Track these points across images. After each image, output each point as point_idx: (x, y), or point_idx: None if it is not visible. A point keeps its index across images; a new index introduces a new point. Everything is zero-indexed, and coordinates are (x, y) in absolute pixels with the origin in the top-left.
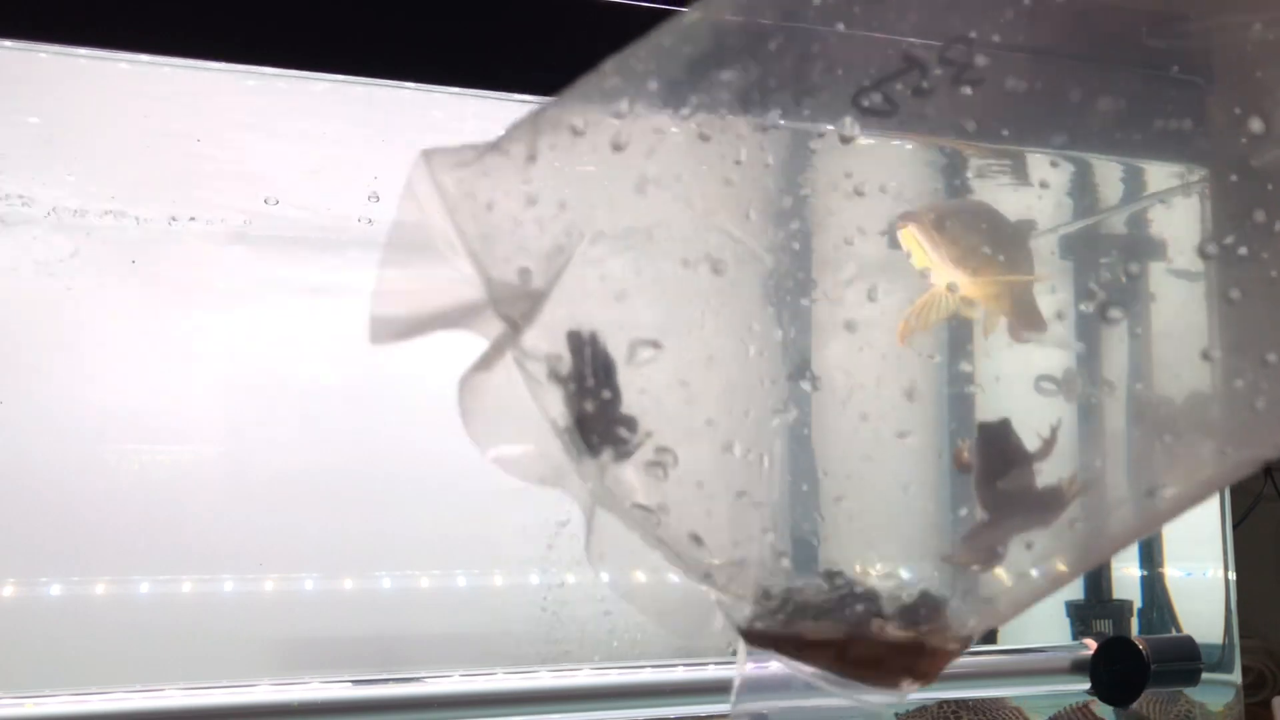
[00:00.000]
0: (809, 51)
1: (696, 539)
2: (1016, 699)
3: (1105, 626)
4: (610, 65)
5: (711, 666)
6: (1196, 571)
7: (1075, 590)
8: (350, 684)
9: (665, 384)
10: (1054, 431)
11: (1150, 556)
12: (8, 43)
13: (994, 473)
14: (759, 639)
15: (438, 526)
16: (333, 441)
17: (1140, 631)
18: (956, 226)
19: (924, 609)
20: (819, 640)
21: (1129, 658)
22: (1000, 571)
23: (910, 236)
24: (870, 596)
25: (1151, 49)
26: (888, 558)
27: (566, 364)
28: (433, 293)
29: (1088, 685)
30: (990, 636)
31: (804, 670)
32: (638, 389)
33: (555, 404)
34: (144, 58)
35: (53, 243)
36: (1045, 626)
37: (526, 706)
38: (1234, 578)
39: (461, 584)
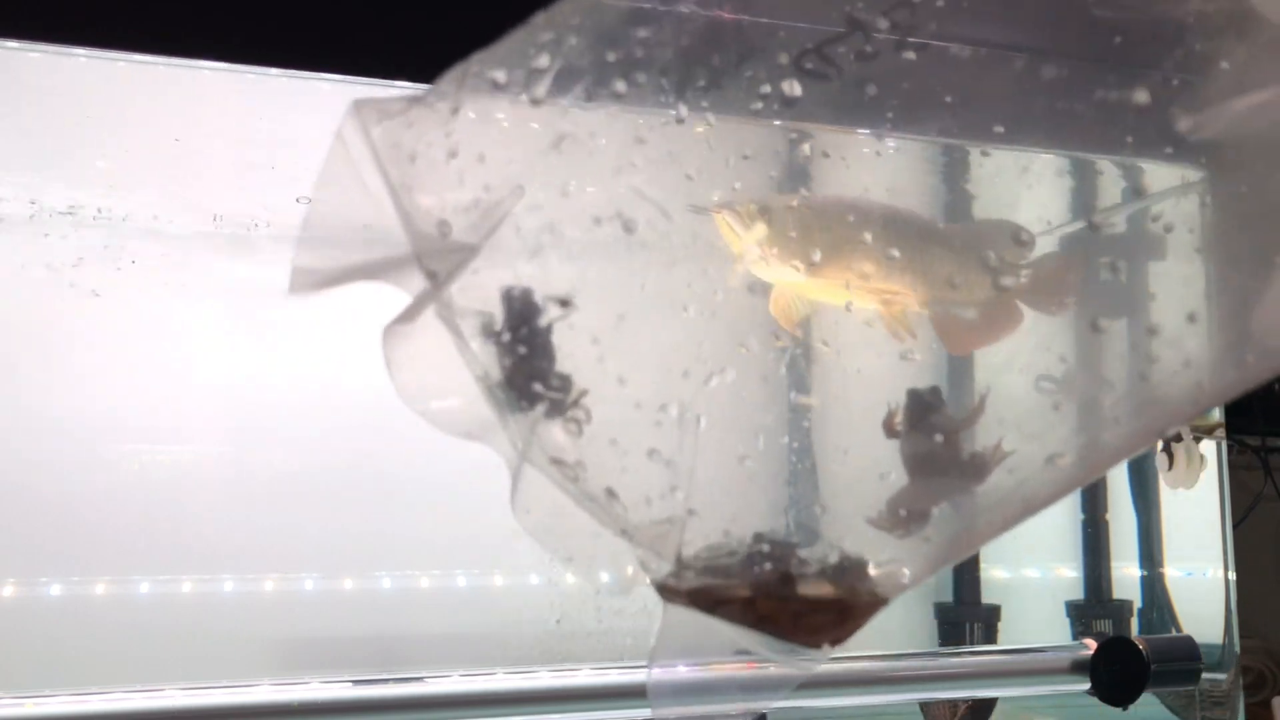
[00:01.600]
0: (749, 12)
1: (611, 494)
2: (1016, 699)
3: (1105, 626)
4: (540, 18)
5: (713, 667)
6: (1196, 571)
7: (1075, 590)
8: (350, 684)
9: (579, 341)
10: (982, 400)
11: (1150, 557)
12: (6, 42)
13: (920, 438)
14: (674, 595)
15: (438, 526)
16: (333, 441)
17: (1140, 631)
18: (785, 222)
19: (841, 568)
20: (730, 597)
21: (1129, 658)
22: (922, 534)
23: (723, 223)
24: (784, 554)
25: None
26: (810, 517)
27: (498, 320)
28: (356, 244)
29: (1088, 685)
30: (990, 636)
31: (725, 632)
32: (555, 344)
33: (485, 360)
34: (144, 58)
35: (53, 243)
36: (1045, 626)
37: (526, 706)
38: (1234, 578)
39: (461, 584)
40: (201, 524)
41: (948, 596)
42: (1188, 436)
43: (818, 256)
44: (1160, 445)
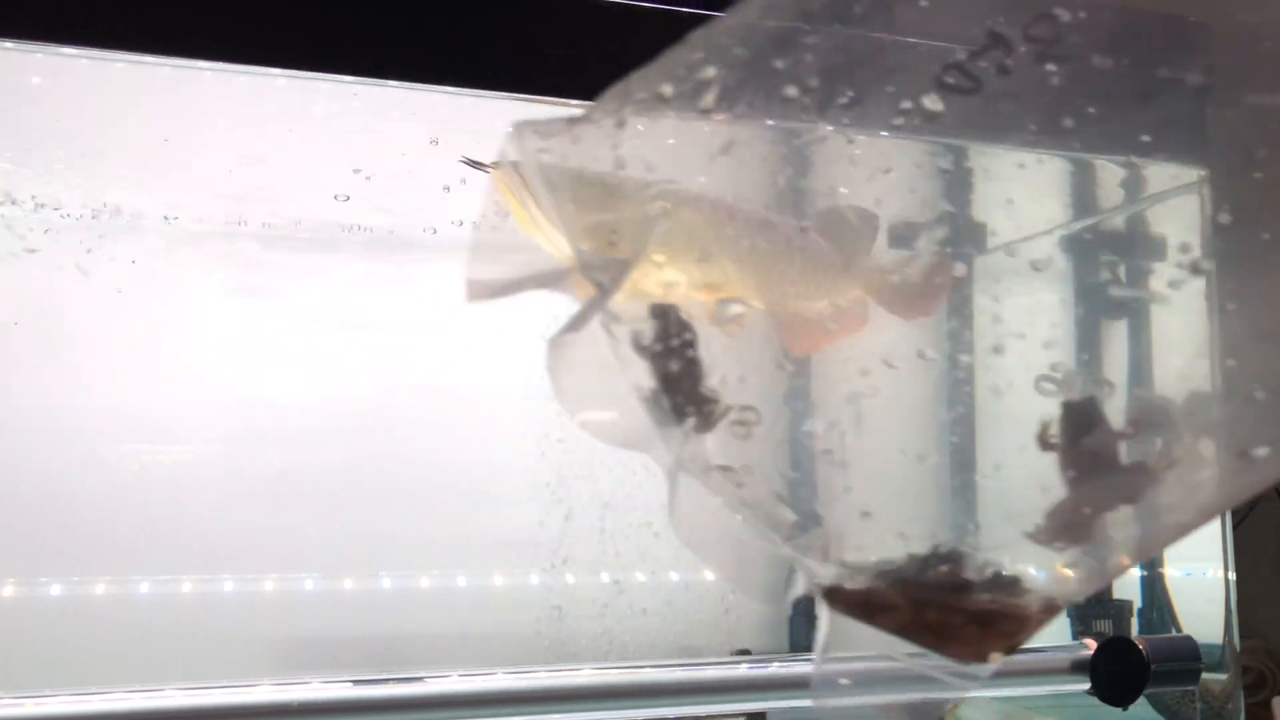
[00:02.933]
0: (891, 30)
1: (778, 499)
2: (1016, 699)
3: (1105, 626)
4: (696, 36)
5: (711, 667)
6: (1196, 571)
7: None
8: (350, 684)
9: (749, 346)
10: (1142, 408)
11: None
12: (6, 43)
13: (1078, 451)
14: (838, 602)
15: (438, 526)
16: (333, 441)
17: (1140, 631)
18: (573, 191)
19: (1010, 580)
20: (894, 604)
21: (1129, 658)
22: (1085, 546)
23: (502, 185)
24: (951, 565)
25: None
26: (973, 530)
27: (650, 331)
28: (523, 256)
29: (1088, 685)
30: None
31: (888, 641)
32: (722, 352)
33: (640, 371)
34: (144, 58)
35: (53, 243)
36: (1045, 627)
37: (526, 706)
38: (1234, 578)
39: (461, 584)
40: (201, 524)
41: None
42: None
43: (611, 233)
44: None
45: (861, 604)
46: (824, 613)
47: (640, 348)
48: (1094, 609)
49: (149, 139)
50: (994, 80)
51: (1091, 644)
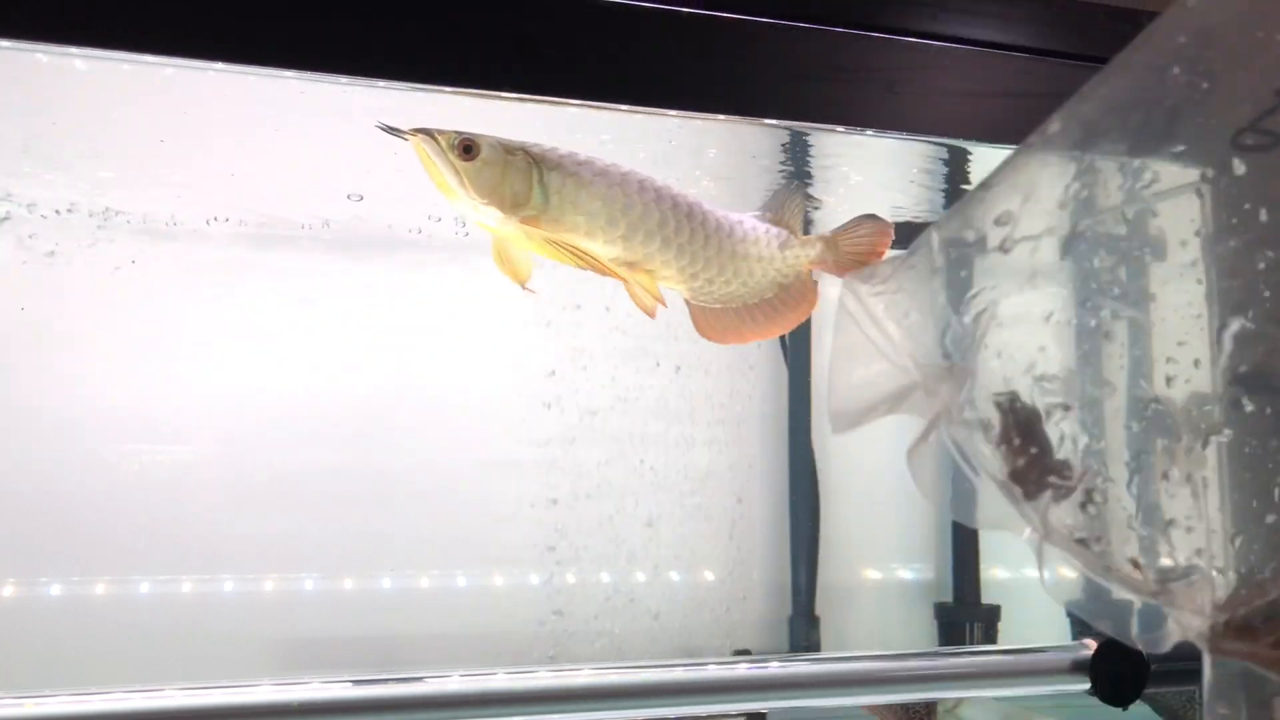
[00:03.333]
0: (1185, 107)
1: (1134, 564)
2: (1016, 699)
3: (1105, 627)
4: (994, 178)
5: (711, 667)
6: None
7: (1075, 590)
8: (350, 684)
9: (1081, 430)
10: None
11: None
12: (5, 42)
13: None
14: (1217, 649)
15: (438, 526)
16: (333, 442)
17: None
18: (497, 161)
19: None
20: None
21: (1129, 658)
22: None
23: (421, 150)
24: None
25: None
26: None
27: (995, 426)
28: (873, 385)
29: (1088, 685)
30: (990, 636)
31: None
32: (1060, 437)
33: (993, 464)
34: (144, 58)
35: (54, 243)
36: (1045, 626)
37: (526, 706)
38: None
39: (461, 584)
40: (201, 524)
41: (948, 597)
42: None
43: (536, 205)
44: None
45: (1240, 652)
46: (1208, 662)
47: (989, 439)
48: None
49: (149, 139)
50: None
51: (1091, 644)
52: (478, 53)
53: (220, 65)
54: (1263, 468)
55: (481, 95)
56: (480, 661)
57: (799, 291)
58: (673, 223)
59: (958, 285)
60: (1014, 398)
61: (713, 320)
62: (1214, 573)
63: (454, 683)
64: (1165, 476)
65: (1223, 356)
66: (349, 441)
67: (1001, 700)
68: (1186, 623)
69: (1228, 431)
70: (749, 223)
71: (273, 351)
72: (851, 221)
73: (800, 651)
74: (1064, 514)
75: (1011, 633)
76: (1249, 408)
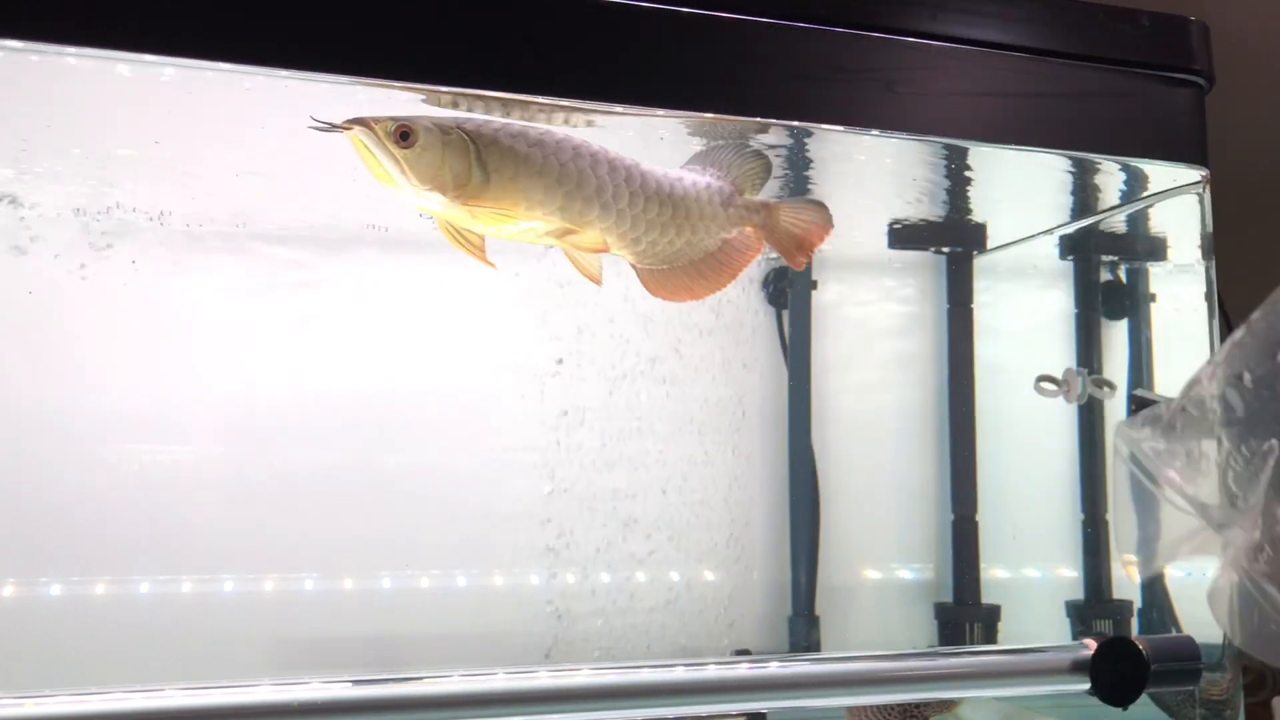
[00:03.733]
0: None
1: None
2: (1016, 699)
3: (1105, 626)
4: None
5: (712, 667)
6: (1196, 571)
7: (1075, 590)
8: (350, 684)
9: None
10: None
11: None
12: (5, 42)
13: None
14: None
15: (438, 527)
16: (333, 442)
17: (1140, 631)
18: (434, 143)
19: None
20: None
21: (1129, 658)
22: None
23: (358, 142)
24: None
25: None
26: None
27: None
28: (1164, 530)
29: (1088, 685)
30: (990, 636)
31: None
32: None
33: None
34: (144, 57)
35: (54, 243)
36: (1045, 627)
37: (526, 706)
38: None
39: (461, 584)
40: (201, 524)
41: (948, 596)
42: None
43: (476, 185)
44: None
45: None
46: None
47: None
48: (1094, 609)
49: (149, 139)
50: None
51: (1091, 644)
52: (478, 53)
53: (221, 65)
54: None
55: (481, 95)
56: (480, 661)
57: (743, 243)
58: (611, 187)
59: (1235, 425)
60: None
61: (662, 280)
62: None
63: (454, 683)
64: None
65: None
66: (349, 441)
67: (1001, 700)
68: None
69: None
70: (689, 179)
71: (273, 351)
72: (799, 200)
73: (800, 651)
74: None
75: (1011, 633)
76: None
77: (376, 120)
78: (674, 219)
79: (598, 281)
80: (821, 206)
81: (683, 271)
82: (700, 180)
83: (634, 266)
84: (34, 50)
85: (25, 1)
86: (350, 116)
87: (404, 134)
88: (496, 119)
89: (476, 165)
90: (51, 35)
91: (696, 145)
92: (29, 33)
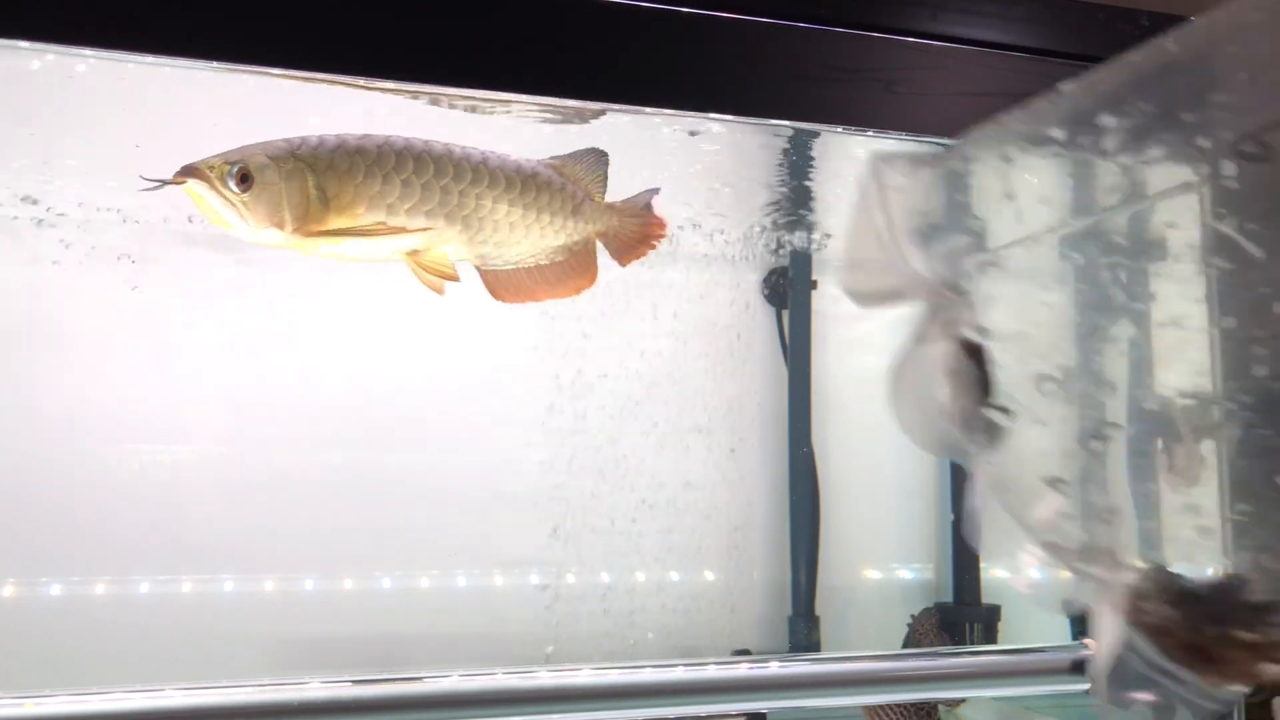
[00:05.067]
0: (1201, 104)
1: (1066, 517)
2: (1016, 699)
3: None
4: (1022, 113)
5: (712, 667)
6: (1196, 572)
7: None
8: (350, 684)
9: (1029, 379)
10: None
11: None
12: (5, 43)
13: None
14: (1122, 612)
15: (438, 527)
16: (333, 442)
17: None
18: (270, 181)
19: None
20: (1167, 627)
21: None
22: None
23: (194, 194)
24: (1242, 592)
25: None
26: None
27: (962, 357)
28: (875, 275)
29: (1088, 685)
30: (990, 637)
31: (1152, 655)
32: (1009, 381)
33: (953, 390)
34: (144, 58)
35: (54, 244)
36: (1045, 627)
37: (526, 706)
38: None
39: (461, 584)
40: (201, 524)
41: (948, 596)
42: (1189, 436)
43: (316, 213)
44: (1160, 444)
45: (1135, 623)
46: (1104, 620)
47: (954, 371)
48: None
49: (151, 138)
50: None
51: (1091, 644)
52: (478, 53)
53: (220, 65)
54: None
55: (481, 95)
56: (480, 661)
57: (585, 256)
58: (455, 196)
59: (978, 204)
60: (981, 343)
61: (504, 281)
62: (1126, 544)
63: (454, 683)
64: (1085, 442)
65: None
66: (349, 442)
67: (1001, 700)
68: (1089, 588)
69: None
70: (544, 175)
71: (273, 352)
72: (636, 196)
73: (800, 651)
74: (1004, 462)
75: (1011, 633)
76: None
77: (209, 164)
78: (523, 219)
79: (441, 291)
80: (648, 205)
81: (526, 274)
82: (555, 179)
83: (478, 268)
84: (35, 50)
85: (27, 1)
86: (182, 165)
87: (243, 176)
88: (332, 136)
89: (315, 192)
90: (53, 35)
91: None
92: (30, 32)
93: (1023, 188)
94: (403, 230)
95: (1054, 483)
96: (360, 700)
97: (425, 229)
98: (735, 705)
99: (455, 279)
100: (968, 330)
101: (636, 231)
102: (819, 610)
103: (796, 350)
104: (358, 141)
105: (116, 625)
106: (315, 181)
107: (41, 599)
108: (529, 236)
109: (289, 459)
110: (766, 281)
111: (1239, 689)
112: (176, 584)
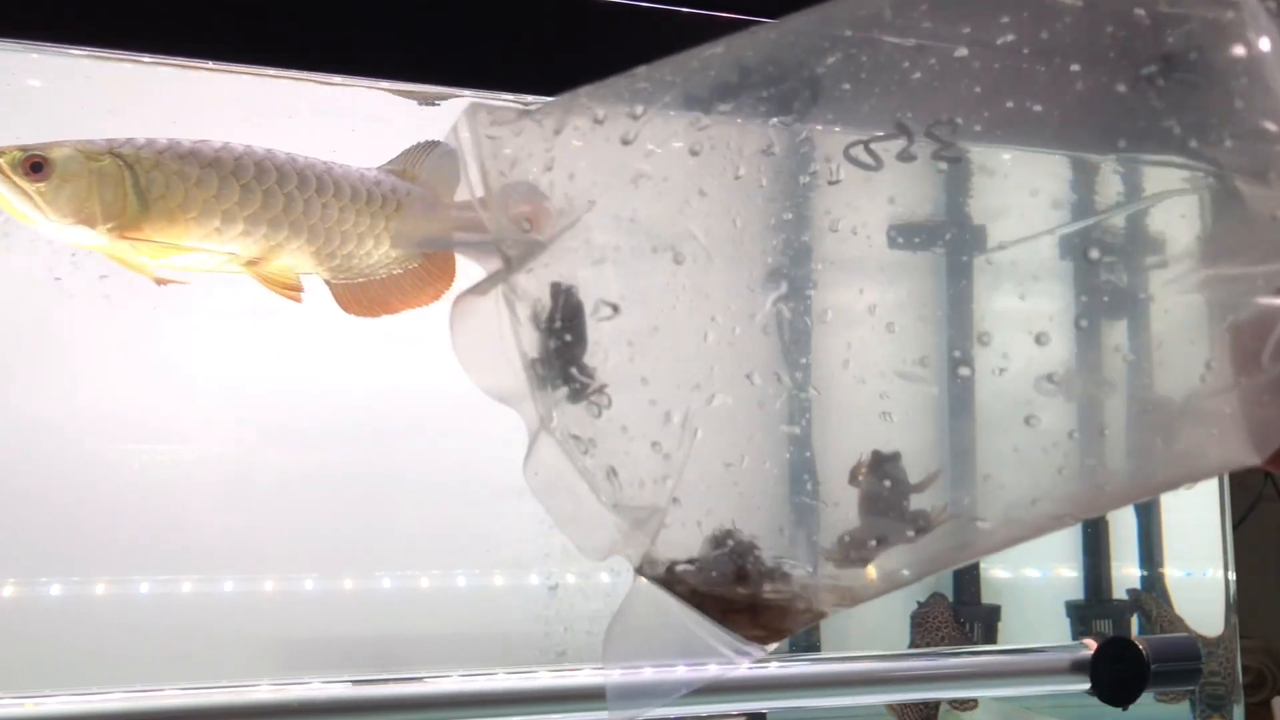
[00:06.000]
0: (815, 100)
1: (613, 472)
2: (1016, 699)
3: (1105, 627)
4: (642, 70)
5: (712, 667)
6: (1196, 571)
7: (1075, 590)
8: (350, 684)
9: (616, 341)
10: (935, 475)
11: (1150, 557)
12: (6, 43)
13: (876, 494)
14: (647, 571)
15: (438, 526)
16: (333, 442)
17: (1140, 631)
18: (74, 173)
19: (777, 574)
20: (691, 581)
21: (1129, 658)
22: (863, 570)
23: None
24: (743, 553)
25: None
26: (774, 532)
27: (545, 308)
28: (449, 220)
29: (1088, 685)
30: (990, 636)
31: (686, 613)
32: (595, 340)
33: (529, 340)
34: (143, 57)
35: (53, 243)
36: (1045, 627)
37: (526, 706)
38: (1234, 578)
39: (461, 584)
40: (201, 524)
41: (948, 596)
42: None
43: (133, 214)
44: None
45: (665, 576)
46: (635, 588)
47: (535, 320)
48: (1094, 609)
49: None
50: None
51: (1091, 644)
52: (478, 53)
53: (220, 65)
54: (741, 429)
55: (481, 95)
56: (480, 662)
57: (443, 260)
58: (301, 203)
59: (570, 160)
60: (572, 289)
61: (356, 294)
62: (671, 502)
63: (454, 683)
64: (670, 412)
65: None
66: (349, 441)
67: (1001, 700)
68: (632, 539)
69: (731, 396)
70: (389, 183)
71: (273, 351)
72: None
73: (800, 651)
74: (572, 411)
75: (1011, 633)
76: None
77: (3, 151)
78: (371, 228)
79: (297, 300)
80: (530, 186)
81: (379, 285)
82: (400, 185)
83: (327, 282)
84: (34, 49)
85: (26, 1)
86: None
87: (35, 165)
88: (166, 138)
89: (134, 192)
90: (53, 35)
91: None
92: (30, 32)
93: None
94: (242, 244)
95: (655, 446)
96: (360, 700)
97: (267, 242)
98: (735, 705)
99: (299, 290)
100: (561, 285)
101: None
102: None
103: None
104: (193, 144)
105: (116, 625)
106: (135, 180)
107: (41, 599)
108: (380, 246)
109: (289, 459)
110: None
111: (764, 643)
112: (176, 584)
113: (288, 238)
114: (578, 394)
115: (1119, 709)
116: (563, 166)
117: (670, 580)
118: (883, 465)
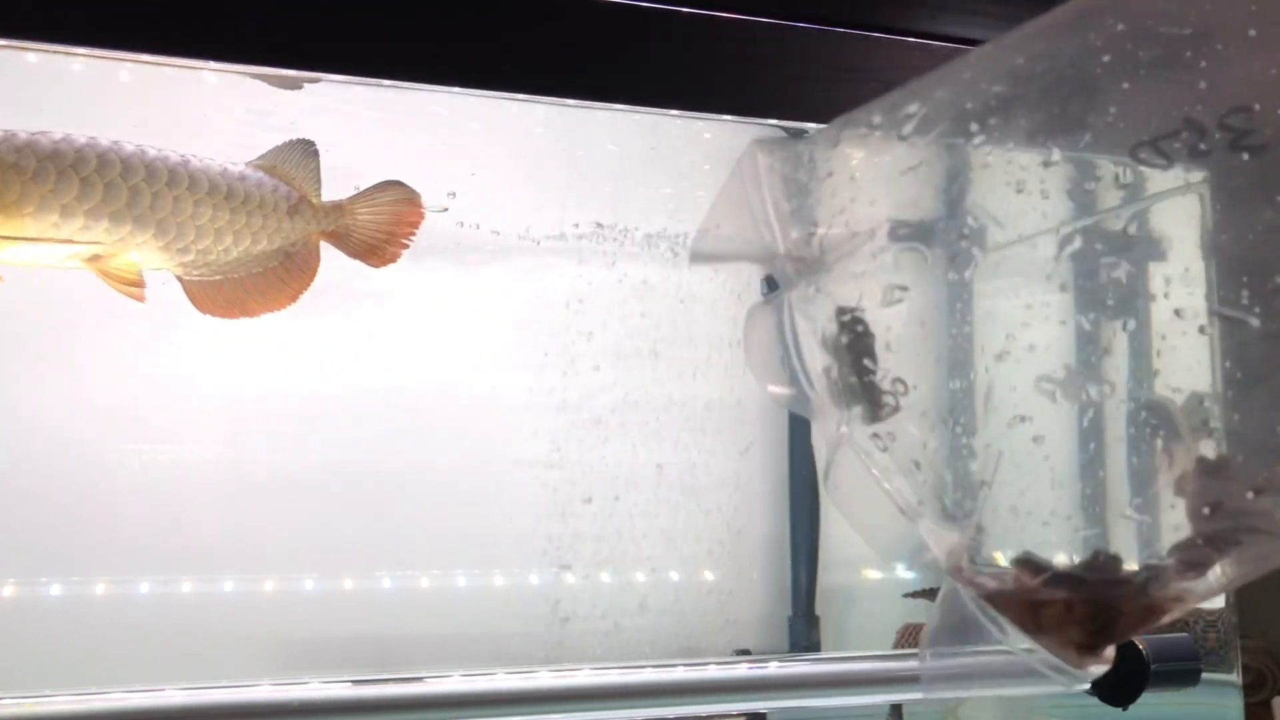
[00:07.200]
0: (1094, 102)
1: (923, 482)
2: (1017, 699)
3: None
4: (904, 91)
5: (712, 667)
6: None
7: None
8: (350, 684)
9: (906, 349)
10: (1268, 479)
11: None
12: (5, 42)
13: (1212, 506)
14: (963, 578)
15: (438, 526)
16: (332, 442)
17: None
18: None
19: (1129, 584)
20: (1008, 593)
21: (1129, 658)
22: (1199, 576)
23: None
24: (1105, 566)
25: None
26: (1102, 539)
27: (834, 331)
28: (740, 238)
29: (1088, 685)
30: None
31: (998, 621)
32: (888, 357)
33: (822, 357)
34: (143, 57)
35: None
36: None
37: (526, 706)
38: None
39: (461, 584)
40: (201, 524)
41: None
42: (1188, 437)
43: None
44: (1160, 445)
45: (979, 586)
46: (943, 598)
47: (826, 343)
48: None
49: (148, 138)
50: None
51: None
52: (478, 53)
53: (221, 65)
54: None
55: (481, 95)
56: (480, 662)
57: (305, 260)
58: (149, 196)
59: (850, 185)
60: (858, 313)
61: (211, 294)
62: (994, 511)
63: (454, 683)
64: (966, 433)
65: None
66: (349, 442)
67: (1001, 700)
68: (942, 547)
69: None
70: (254, 177)
71: (273, 351)
72: (373, 187)
73: (800, 651)
74: (867, 430)
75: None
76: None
77: None
78: (231, 224)
79: (140, 299)
80: (398, 184)
81: (236, 284)
82: (266, 181)
83: (180, 279)
84: (33, 49)
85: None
86: None
87: None
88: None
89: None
90: (53, 35)
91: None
92: (29, 32)
93: (869, 173)
94: (84, 238)
95: (965, 448)
96: (360, 700)
97: (111, 235)
98: (735, 705)
99: (141, 286)
100: (832, 303)
101: (384, 229)
102: (819, 610)
103: None
104: (28, 136)
105: (116, 625)
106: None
107: (41, 599)
108: (239, 244)
109: (289, 459)
110: (768, 281)
111: (1093, 658)
112: (176, 584)
113: (132, 232)
114: (877, 411)
115: (1119, 709)
116: (844, 193)
117: (987, 591)
118: (1211, 472)
